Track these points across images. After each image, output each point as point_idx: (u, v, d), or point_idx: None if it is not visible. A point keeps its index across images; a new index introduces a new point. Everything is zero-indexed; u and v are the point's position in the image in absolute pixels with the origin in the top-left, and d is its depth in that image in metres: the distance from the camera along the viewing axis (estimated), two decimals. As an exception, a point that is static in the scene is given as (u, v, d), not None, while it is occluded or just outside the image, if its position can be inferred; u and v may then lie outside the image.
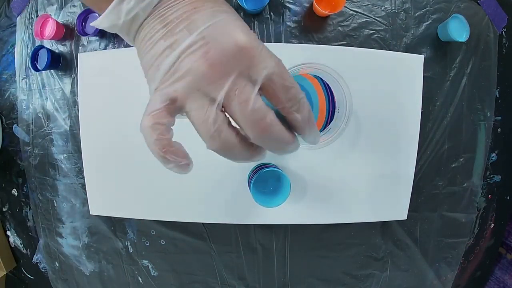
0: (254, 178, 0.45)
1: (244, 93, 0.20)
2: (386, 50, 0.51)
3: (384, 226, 0.54)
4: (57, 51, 0.56)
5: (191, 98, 0.21)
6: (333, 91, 0.44)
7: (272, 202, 0.46)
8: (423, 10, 0.52)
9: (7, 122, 0.60)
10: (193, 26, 0.20)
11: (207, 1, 0.21)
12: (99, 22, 0.22)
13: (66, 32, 0.56)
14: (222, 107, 0.21)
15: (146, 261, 0.57)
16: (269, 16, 0.51)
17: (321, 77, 0.44)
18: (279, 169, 0.47)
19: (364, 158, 0.51)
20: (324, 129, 0.44)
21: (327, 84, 0.44)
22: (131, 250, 0.57)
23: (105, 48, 0.55)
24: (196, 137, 0.22)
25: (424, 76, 0.51)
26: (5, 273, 0.63)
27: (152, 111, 0.21)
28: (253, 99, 0.20)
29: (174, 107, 0.21)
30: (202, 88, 0.20)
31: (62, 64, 0.56)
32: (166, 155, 0.22)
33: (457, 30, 0.49)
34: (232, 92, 0.20)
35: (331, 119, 0.45)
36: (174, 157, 0.22)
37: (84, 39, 0.55)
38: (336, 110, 0.44)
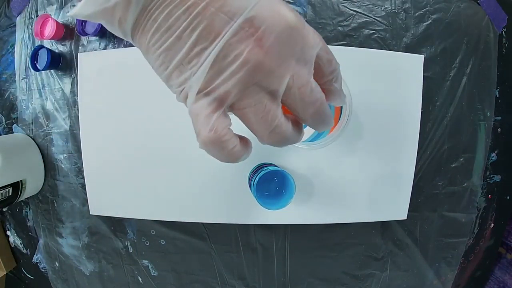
0: (257, 180, 0.44)
1: (301, 77, 0.18)
2: (386, 50, 0.51)
3: (384, 226, 0.54)
4: (57, 51, 0.56)
5: (247, 95, 0.18)
6: None
7: (277, 204, 0.45)
8: (423, 10, 0.52)
9: (7, 122, 0.60)
10: (229, 8, 0.16)
11: None
12: (80, 7, 0.17)
13: (66, 32, 0.56)
14: None
15: (146, 261, 0.57)
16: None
17: None
18: (280, 168, 0.47)
19: (364, 158, 0.51)
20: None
21: None
22: (131, 250, 0.57)
23: (105, 48, 0.55)
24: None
25: (424, 76, 0.51)
26: (5, 273, 0.63)
27: (208, 124, 0.18)
28: (310, 81, 0.19)
29: (226, 108, 0.18)
30: (259, 81, 0.17)
31: (62, 64, 0.56)
32: (240, 158, 0.20)
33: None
34: (291, 79, 0.18)
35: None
36: (247, 154, 0.21)
37: (84, 39, 0.55)
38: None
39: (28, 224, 0.62)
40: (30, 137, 0.58)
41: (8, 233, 0.64)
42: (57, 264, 0.61)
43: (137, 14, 0.17)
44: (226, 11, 0.16)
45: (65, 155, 0.57)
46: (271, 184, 0.47)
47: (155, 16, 0.17)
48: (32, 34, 0.57)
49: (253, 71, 0.17)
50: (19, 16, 0.59)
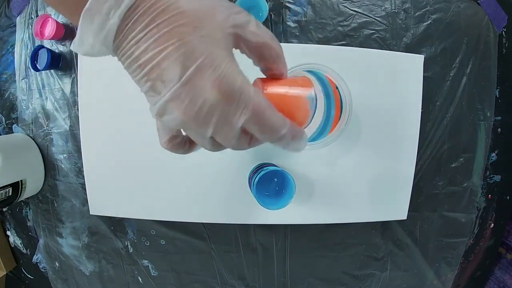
0: (257, 180, 0.44)
1: (225, 133, 0.22)
2: (386, 50, 0.51)
3: (384, 226, 0.54)
4: (57, 51, 0.56)
5: (186, 131, 0.23)
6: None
7: (277, 203, 0.45)
8: (423, 10, 0.52)
9: (7, 122, 0.60)
10: (166, 77, 0.20)
11: (181, 25, 0.19)
12: (74, 48, 0.22)
13: (66, 32, 0.56)
14: None
15: (146, 261, 0.57)
16: (269, 16, 0.52)
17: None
18: (280, 168, 0.47)
19: (364, 158, 0.51)
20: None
21: (337, 87, 0.44)
22: (131, 250, 0.57)
23: (105, 48, 0.55)
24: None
25: (424, 76, 0.51)
26: (5, 273, 0.63)
27: (163, 139, 0.26)
28: (234, 138, 0.22)
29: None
30: (190, 129, 0.22)
31: (62, 64, 0.56)
32: (192, 152, 0.27)
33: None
34: (215, 132, 0.22)
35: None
36: (198, 147, 0.27)
37: (84, 39, 0.55)
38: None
39: (28, 224, 0.62)
40: (30, 137, 0.58)
41: (8, 233, 0.64)
42: (57, 264, 0.61)
43: (115, 54, 0.22)
44: (163, 80, 0.20)
45: (65, 155, 0.57)
46: (271, 184, 0.47)
47: (122, 60, 0.22)
48: (32, 34, 0.57)
49: (181, 126, 0.22)
50: (19, 16, 0.59)
